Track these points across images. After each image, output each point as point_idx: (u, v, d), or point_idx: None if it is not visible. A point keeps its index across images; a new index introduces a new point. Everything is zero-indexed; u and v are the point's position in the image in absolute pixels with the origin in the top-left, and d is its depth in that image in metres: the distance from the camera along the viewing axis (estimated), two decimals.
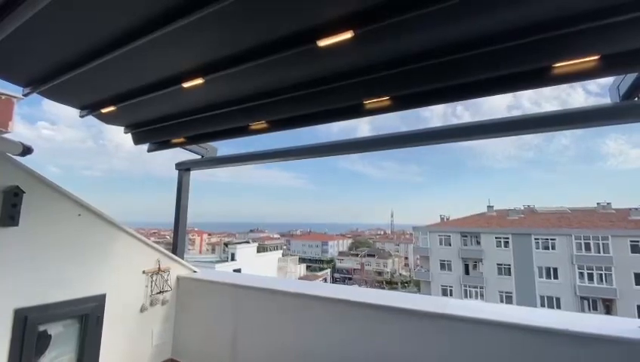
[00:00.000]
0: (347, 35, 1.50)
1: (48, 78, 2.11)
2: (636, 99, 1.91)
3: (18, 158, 2.35)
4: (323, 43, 1.56)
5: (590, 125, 2.10)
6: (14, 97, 3.27)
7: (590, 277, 27.14)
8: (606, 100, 2.09)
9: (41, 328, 2.36)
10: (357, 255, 69.13)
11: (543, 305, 27.99)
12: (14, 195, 2.24)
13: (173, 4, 1.42)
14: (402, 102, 2.15)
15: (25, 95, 2.34)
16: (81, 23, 1.62)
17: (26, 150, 2.30)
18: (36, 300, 2.34)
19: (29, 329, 2.25)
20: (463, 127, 2.45)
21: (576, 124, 2.12)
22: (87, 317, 2.62)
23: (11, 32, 1.48)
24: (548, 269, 28.68)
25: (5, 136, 2.70)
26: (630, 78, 1.88)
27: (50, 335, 2.41)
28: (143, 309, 3.09)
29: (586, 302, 27.20)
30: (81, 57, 1.87)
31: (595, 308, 26.89)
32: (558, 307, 27.44)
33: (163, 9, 1.45)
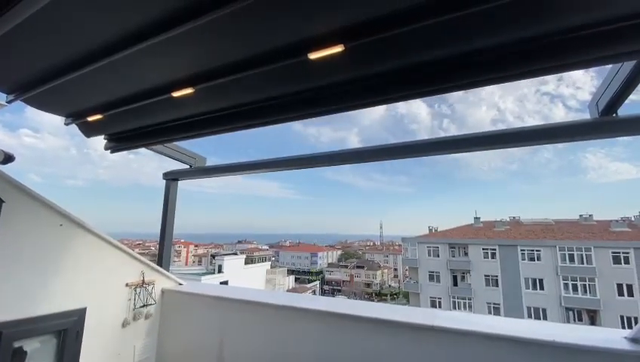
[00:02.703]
0: (338, 48, 1.53)
1: (33, 86, 2.07)
2: (614, 115, 2.00)
3: None
4: (314, 56, 1.59)
5: (571, 140, 2.17)
6: None
7: (575, 288, 27.65)
8: (586, 116, 2.18)
9: (17, 344, 2.25)
10: (346, 266, 68.85)
11: (529, 316, 28.27)
12: None
13: (164, 15, 1.42)
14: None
15: (8, 102, 2.28)
16: (68, 31, 1.60)
17: (8, 158, 2.23)
18: (12, 314, 2.23)
19: (3, 345, 2.14)
20: (450, 140, 2.50)
21: (557, 138, 2.19)
22: (66, 332, 2.51)
23: None
24: (534, 280, 29.11)
25: None
26: (609, 94, 1.96)
27: (25, 352, 2.29)
28: (125, 324, 2.97)
29: (571, 312, 27.62)
30: (68, 65, 1.84)
31: (580, 319, 27.30)
32: (545, 318, 27.77)
33: (155, 18, 1.45)
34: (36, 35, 1.62)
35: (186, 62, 1.85)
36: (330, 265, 74.01)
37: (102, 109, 2.47)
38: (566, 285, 27.96)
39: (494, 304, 30.34)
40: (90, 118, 2.57)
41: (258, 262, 39.07)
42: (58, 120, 2.78)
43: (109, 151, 3.27)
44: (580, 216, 34.33)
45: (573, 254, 28.17)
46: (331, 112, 2.20)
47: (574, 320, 27.41)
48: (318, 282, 60.66)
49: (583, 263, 27.66)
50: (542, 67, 1.58)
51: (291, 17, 1.44)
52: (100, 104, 2.44)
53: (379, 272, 65.79)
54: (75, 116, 2.66)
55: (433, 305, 32.85)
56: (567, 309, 27.63)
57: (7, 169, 2.32)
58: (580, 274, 27.45)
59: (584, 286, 27.36)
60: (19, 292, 2.30)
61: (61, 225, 2.57)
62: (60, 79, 1.93)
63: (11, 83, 2.15)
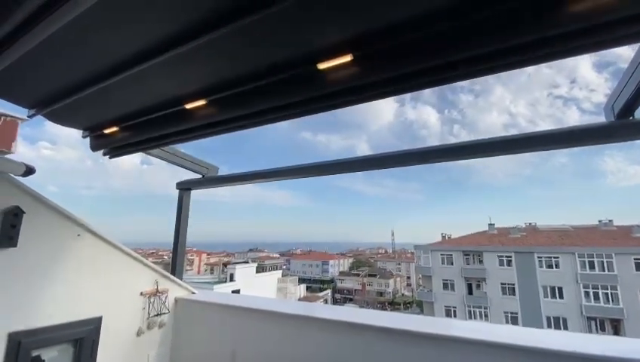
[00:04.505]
0: (347, 58, 1.55)
1: (53, 101, 2.15)
2: (631, 117, 1.94)
3: (19, 179, 2.36)
4: (323, 66, 1.61)
5: (587, 144, 2.12)
6: (19, 119, 3.32)
7: (596, 296, 26.61)
8: (601, 119, 2.13)
9: (35, 353, 2.30)
10: (358, 275, 68.07)
11: (549, 326, 27.31)
12: (14, 216, 2.23)
13: (179, 30, 1.47)
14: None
15: (29, 117, 2.38)
16: (87, 48, 1.67)
17: (29, 171, 2.31)
18: (31, 323, 2.29)
19: (22, 354, 2.19)
20: (462, 146, 2.48)
21: (572, 143, 2.14)
22: (82, 341, 2.55)
23: (19, 56, 1.52)
24: (553, 288, 28.16)
25: (8, 156, 2.73)
26: (624, 97, 1.91)
27: (43, 361, 2.34)
28: (139, 333, 3.00)
29: (593, 322, 26.55)
30: (86, 81, 1.91)
31: (602, 329, 26.22)
32: (565, 328, 26.77)
33: (171, 34, 1.50)
34: (57, 53, 1.69)
35: (199, 74, 1.90)
36: (341, 273, 73.29)
37: (117, 122, 2.55)
38: (587, 293, 26.93)
39: (512, 313, 29.43)
40: (107, 131, 2.65)
41: (269, 271, 38.99)
42: (75, 132, 2.88)
43: (108, 156, 3.22)
44: (600, 221, 33.23)
45: (593, 261, 27.18)
46: (336, 107, 2.12)
47: (597, 329, 26.34)
48: (329, 291, 60.10)
49: (604, 270, 26.65)
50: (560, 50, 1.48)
51: (300, 30, 1.47)
52: (115, 117, 2.51)
53: (391, 281, 64.81)
54: (92, 129, 2.74)
55: (448, 314, 32.08)
56: (589, 318, 26.57)
57: (27, 181, 2.40)
58: (602, 282, 26.43)
59: (606, 294, 26.31)
60: (38, 301, 2.35)
61: (79, 235, 2.63)
62: (78, 94, 2.00)
63: (32, 98, 2.24)
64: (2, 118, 3.05)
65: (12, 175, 2.30)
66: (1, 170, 2.23)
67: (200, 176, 3.93)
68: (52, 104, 2.16)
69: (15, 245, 2.23)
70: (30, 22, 1.29)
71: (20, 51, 1.49)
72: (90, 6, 1.14)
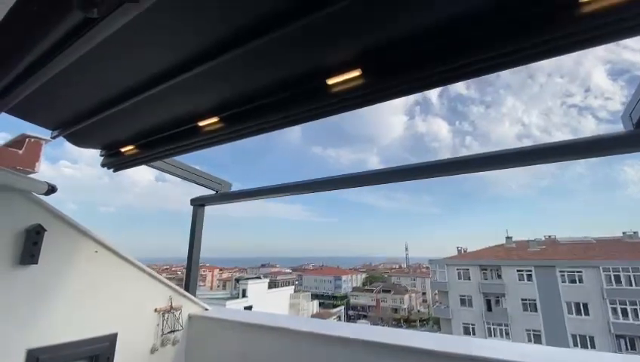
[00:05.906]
0: (356, 72, 1.57)
1: (75, 122, 2.25)
2: None
3: (42, 197, 2.44)
4: (332, 81, 1.64)
5: (606, 154, 2.05)
6: (42, 140, 3.47)
7: (624, 312, 25.22)
8: (619, 128, 2.07)
9: None
10: (372, 290, 66.71)
11: (575, 345, 25.92)
12: (36, 233, 2.30)
13: (194, 53, 1.53)
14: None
15: (53, 138, 2.48)
16: (109, 72, 1.75)
17: (51, 189, 2.39)
18: (49, 340, 2.31)
19: None
20: (475, 159, 2.42)
21: (591, 153, 2.08)
22: (98, 358, 2.56)
23: (45, 81, 1.60)
24: (577, 304, 26.86)
25: (32, 176, 2.83)
26: None
27: None
28: (153, 350, 3.00)
29: (622, 340, 25.07)
30: (105, 103, 2.00)
31: (633, 348, 24.71)
32: (593, 346, 25.36)
33: (186, 57, 1.56)
34: (80, 77, 1.78)
35: (214, 92, 1.96)
36: (354, 289, 71.96)
37: (133, 140, 2.64)
38: (614, 309, 25.56)
39: (534, 331, 28.11)
40: (123, 149, 2.74)
41: (281, 286, 38.65)
42: (93, 150, 2.98)
43: (113, 170, 3.23)
44: (624, 233, 31.88)
45: (619, 275, 25.92)
46: (340, 111, 1.99)
47: (627, 348, 24.85)
48: (342, 307, 58.95)
49: (631, 285, 25.33)
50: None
51: (311, 51, 1.52)
52: (131, 136, 2.60)
53: (406, 296, 63.17)
54: (109, 148, 2.84)
55: (467, 331, 30.92)
56: (618, 336, 25.12)
57: (49, 199, 2.48)
58: (630, 298, 25.06)
59: (635, 310, 24.90)
60: (55, 317, 2.39)
61: (96, 251, 2.68)
62: (99, 115, 2.09)
63: (56, 120, 2.35)
64: (27, 140, 3.19)
65: (35, 193, 2.39)
66: (25, 189, 2.32)
67: (214, 192, 3.98)
68: (74, 125, 2.26)
69: (36, 262, 2.29)
70: (55, 50, 1.37)
71: (46, 76, 1.57)
72: (114, 31, 1.20)
